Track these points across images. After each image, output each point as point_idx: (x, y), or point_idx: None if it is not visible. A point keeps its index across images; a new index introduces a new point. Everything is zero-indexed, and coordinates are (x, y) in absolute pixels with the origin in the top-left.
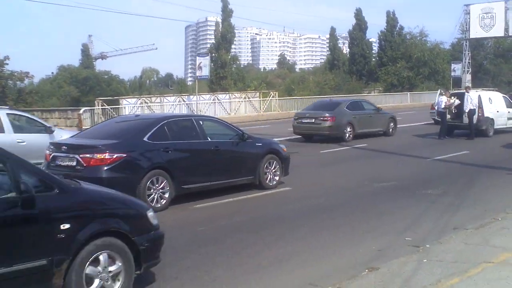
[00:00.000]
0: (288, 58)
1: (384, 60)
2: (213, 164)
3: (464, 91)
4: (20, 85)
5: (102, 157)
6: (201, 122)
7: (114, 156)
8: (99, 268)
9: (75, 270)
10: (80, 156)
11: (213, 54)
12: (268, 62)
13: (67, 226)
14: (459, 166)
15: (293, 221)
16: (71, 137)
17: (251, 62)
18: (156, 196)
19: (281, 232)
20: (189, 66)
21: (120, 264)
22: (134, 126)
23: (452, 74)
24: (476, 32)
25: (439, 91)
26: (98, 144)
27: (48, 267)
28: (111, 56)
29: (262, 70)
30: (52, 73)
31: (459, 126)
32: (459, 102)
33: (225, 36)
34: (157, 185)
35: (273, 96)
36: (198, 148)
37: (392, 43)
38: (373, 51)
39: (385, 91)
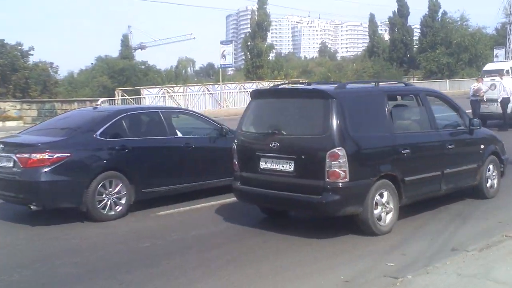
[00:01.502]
0: (329, 46)
1: (423, 46)
2: (184, 164)
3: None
4: (49, 76)
5: (41, 157)
6: (170, 116)
7: (55, 156)
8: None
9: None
10: (17, 156)
11: (249, 43)
12: (309, 50)
13: (482, 147)
14: None
15: (258, 236)
16: (21, 132)
17: (292, 50)
18: (109, 203)
19: (232, 254)
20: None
21: None
22: (85, 121)
23: (494, 60)
24: None
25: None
26: (38, 142)
27: (476, 168)
28: (150, 46)
29: (303, 58)
30: (92, 63)
31: (492, 116)
32: (486, 88)
33: (261, 25)
34: (110, 190)
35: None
36: (164, 146)
37: (433, 29)
38: (415, 38)
39: (424, 78)
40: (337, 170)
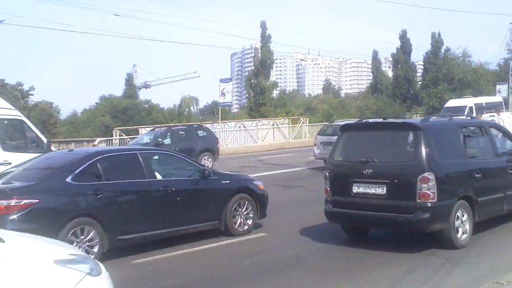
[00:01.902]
0: (333, 83)
1: (426, 82)
2: (163, 208)
3: (495, 113)
4: (50, 116)
5: (8, 204)
6: (149, 157)
7: (22, 203)
8: None
9: None
10: None
11: (252, 81)
12: (313, 87)
13: None
14: None
15: (249, 282)
16: None
17: (296, 88)
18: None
19: None
20: (235, 94)
21: None
22: (57, 164)
23: (497, 95)
24: None
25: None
26: (5, 187)
27: None
28: (155, 85)
29: (307, 95)
30: (96, 103)
31: None
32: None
33: (264, 62)
34: (82, 237)
35: (303, 123)
36: (142, 189)
37: (436, 65)
38: (418, 74)
39: (427, 115)
40: (427, 192)
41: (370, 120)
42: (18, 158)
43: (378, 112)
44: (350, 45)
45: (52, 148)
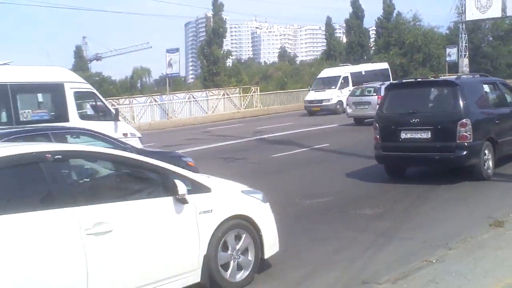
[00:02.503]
0: (289, 50)
1: (378, 47)
2: None
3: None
4: None
5: None
6: (63, 137)
7: None
8: None
9: None
10: None
11: (205, 50)
12: (269, 55)
13: None
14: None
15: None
16: None
17: (252, 56)
18: None
19: None
20: (190, 64)
21: None
22: None
23: (447, 59)
24: (472, 14)
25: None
26: None
27: None
28: (106, 57)
29: (263, 64)
30: None
31: None
32: None
33: (217, 31)
34: None
35: (254, 92)
36: None
37: (388, 30)
38: (372, 39)
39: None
40: (465, 134)
41: (409, 80)
42: (91, 126)
43: None
44: (304, 12)
45: (120, 118)
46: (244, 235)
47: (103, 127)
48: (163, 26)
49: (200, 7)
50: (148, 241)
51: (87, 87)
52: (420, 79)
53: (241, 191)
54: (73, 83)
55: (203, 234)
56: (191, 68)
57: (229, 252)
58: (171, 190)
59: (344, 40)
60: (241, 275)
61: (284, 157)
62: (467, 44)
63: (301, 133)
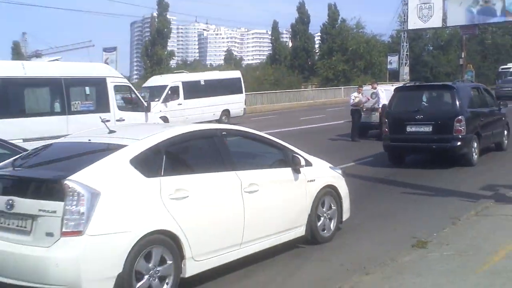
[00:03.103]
0: (235, 54)
1: (322, 53)
2: None
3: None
4: None
5: None
6: None
7: None
8: None
9: None
10: None
11: (149, 50)
12: (215, 58)
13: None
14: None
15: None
16: None
17: (198, 58)
18: None
19: None
20: (135, 64)
21: None
22: None
23: (388, 67)
24: (414, 23)
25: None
26: None
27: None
28: (47, 54)
29: (209, 66)
30: None
31: (371, 126)
32: (366, 99)
33: (161, 31)
34: None
35: None
36: None
37: (332, 36)
38: (317, 45)
39: (321, 85)
40: (460, 128)
41: (415, 83)
42: (128, 116)
43: (275, 83)
44: (252, 15)
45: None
46: (332, 201)
47: (137, 117)
48: (109, 25)
49: (146, 7)
50: (279, 200)
51: (124, 81)
52: (422, 84)
53: (329, 167)
54: (113, 78)
55: (309, 197)
56: (136, 68)
57: (324, 213)
58: (292, 162)
59: (290, 45)
60: (328, 232)
61: None
62: (408, 53)
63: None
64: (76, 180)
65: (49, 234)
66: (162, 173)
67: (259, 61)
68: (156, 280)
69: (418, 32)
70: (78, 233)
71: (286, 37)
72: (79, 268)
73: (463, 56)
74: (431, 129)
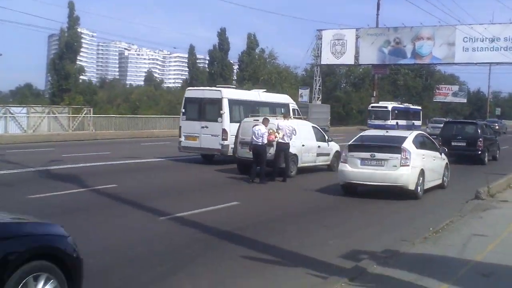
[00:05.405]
0: (156, 75)
1: (237, 81)
2: None
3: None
4: None
5: None
6: None
7: None
8: None
9: None
10: None
11: (56, 63)
12: (136, 78)
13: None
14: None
15: None
16: None
17: (117, 77)
18: None
19: None
20: (49, 78)
21: None
22: None
23: (299, 100)
24: (327, 58)
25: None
26: None
27: None
28: None
29: (128, 86)
30: None
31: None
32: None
33: (70, 45)
34: None
35: (86, 113)
36: None
37: (245, 64)
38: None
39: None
40: (481, 144)
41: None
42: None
43: None
44: (174, 38)
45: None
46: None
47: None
48: (25, 36)
49: (53, 20)
50: None
51: (296, 106)
52: (459, 120)
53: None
54: (292, 103)
55: None
56: (49, 82)
57: None
58: None
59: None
60: None
61: (42, 198)
62: (320, 87)
63: (110, 166)
64: (405, 146)
65: (395, 166)
66: (419, 148)
67: (180, 84)
68: None
69: (331, 68)
70: (407, 165)
71: (204, 62)
72: (408, 178)
73: (374, 95)
74: (465, 144)
